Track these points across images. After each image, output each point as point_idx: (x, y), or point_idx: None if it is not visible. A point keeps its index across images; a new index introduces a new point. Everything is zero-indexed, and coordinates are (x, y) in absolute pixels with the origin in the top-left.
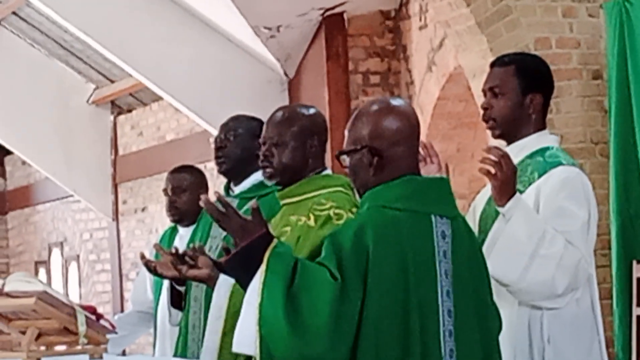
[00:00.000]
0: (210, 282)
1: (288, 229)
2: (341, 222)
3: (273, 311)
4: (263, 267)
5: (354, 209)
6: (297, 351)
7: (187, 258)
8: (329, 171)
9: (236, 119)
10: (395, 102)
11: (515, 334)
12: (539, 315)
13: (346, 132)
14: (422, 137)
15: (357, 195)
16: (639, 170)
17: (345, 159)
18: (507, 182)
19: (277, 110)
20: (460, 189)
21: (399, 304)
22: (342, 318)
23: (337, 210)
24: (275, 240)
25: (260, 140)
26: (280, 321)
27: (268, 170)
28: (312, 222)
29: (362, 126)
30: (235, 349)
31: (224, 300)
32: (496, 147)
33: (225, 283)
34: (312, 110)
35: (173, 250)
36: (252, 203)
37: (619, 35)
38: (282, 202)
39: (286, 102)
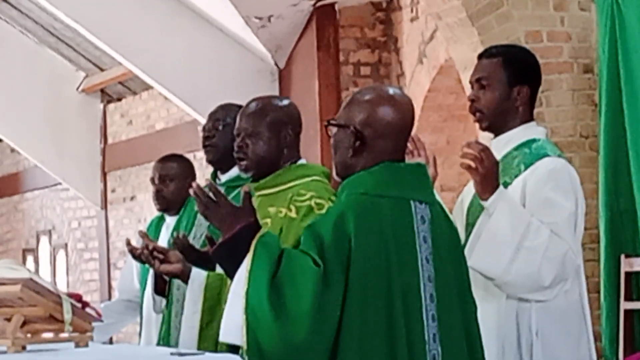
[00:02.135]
0: (183, 277)
1: (268, 220)
2: (323, 211)
3: (258, 299)
4: (250, 255)
5: (333, 198)
6: (281, 339)
7: (155, 253)
8: (303, 161)
9: (224, 107)
10: (396, 95)
11: (503, 327)
12: (527, 308)
13: (342, 105)
14: (412, 130)
15: (334, 173)
16: (629, 165)
17: (332, 130)
18: (489, 175)
19: (250, 102)
20: (450, 181)
21: (382, 289)
22: (325, 305)
23: (318, 200)
24: (262, 230)
25: (234, 132)
26: (265, 309)
27: (243, 162)
28: (293, 214)
29: (358, 109)
30: (222, 338)
31: (198, 295)
32: (477, 142)
33: (198, 277)
34: (285, 102)
35: (150, 246)
36: (244, 187)
37: (610, 29)
38: (257, 194)
39: (276, 93)
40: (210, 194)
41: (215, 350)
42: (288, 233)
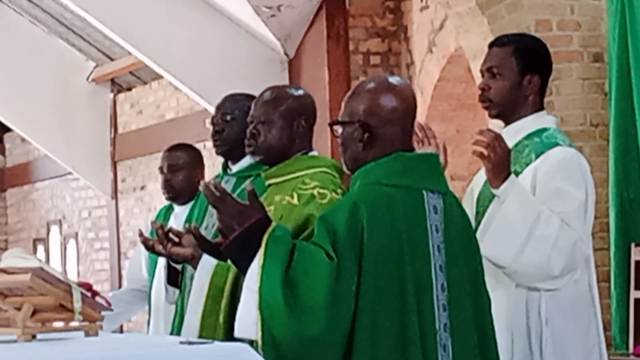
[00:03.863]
0: (193, 262)
1: (272, 208)
2: (325, 201)
3: (272, 294)
4: (261, 251)
5: (339, 190)
6: (296, 332)
7: (171, 235)
8: (315, 152)
9: (231, 99)
10: (395, 81)
11: (512, 316)
12: (536, 297)
13: (343, 104)
14: (422, 119)
15: (345, 170)
16: (639, 154)
17: (338, 130)
18: (501, 164)
19: (265, 90)
20: (460, 170)
21: (394, 279)
22: (340, 297)
23: (320, 190)
24: (273, 224)
25: (248, 119)
26: (279, 304)
27: (251, 147)
28: (295, 201)
29: (359, 101)
30: (237, 334)
31: (205, 281)
32: (489, 129)
33: (207, 263)
34: (301, 92)
35: (166, 227)
36: (247, 186)
37: (620, 18)
38: (267, 182)
39: (286, 82)
40: (217, 193)
41: (214, 339)
42: (288, 219)
